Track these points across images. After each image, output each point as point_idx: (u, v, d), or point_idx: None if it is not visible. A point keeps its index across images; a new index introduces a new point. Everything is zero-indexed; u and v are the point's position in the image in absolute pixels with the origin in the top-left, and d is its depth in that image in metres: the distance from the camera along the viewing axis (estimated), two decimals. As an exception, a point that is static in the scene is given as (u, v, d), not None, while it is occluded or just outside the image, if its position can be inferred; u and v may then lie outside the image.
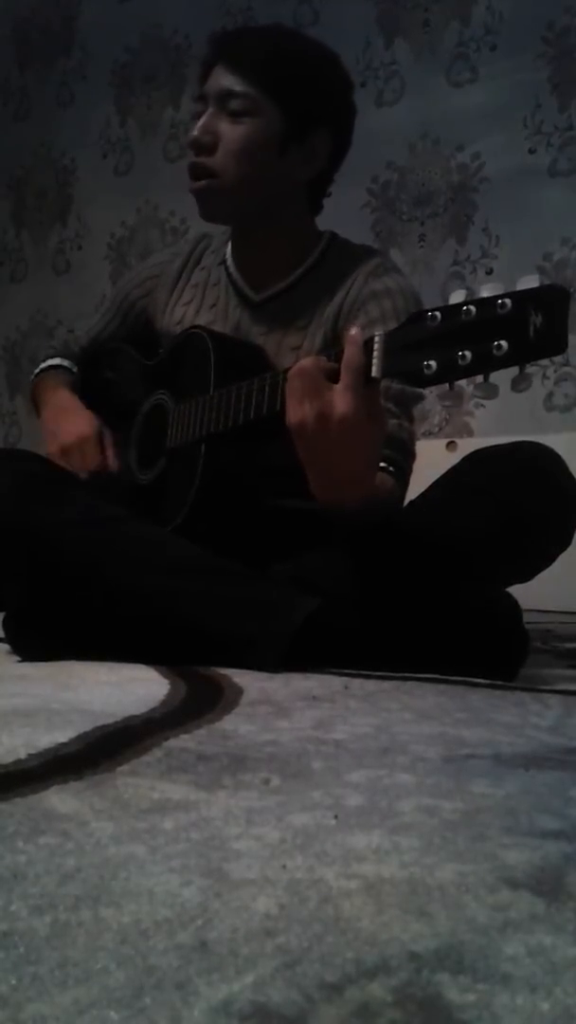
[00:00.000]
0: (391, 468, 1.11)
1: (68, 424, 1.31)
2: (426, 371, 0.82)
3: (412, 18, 2.63)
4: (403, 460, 1.15)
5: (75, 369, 1.43)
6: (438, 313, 0.83)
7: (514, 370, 0.79)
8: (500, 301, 0.78)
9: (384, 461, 1.08)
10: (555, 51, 2.40)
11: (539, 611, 1.86)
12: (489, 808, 0.49)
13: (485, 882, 0.39)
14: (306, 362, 0.94)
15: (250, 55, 1.20)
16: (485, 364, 0.79)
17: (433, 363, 0.82)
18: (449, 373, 0.81)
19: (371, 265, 1.25)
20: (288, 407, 0.95)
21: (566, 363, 2.35)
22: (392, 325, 1.17)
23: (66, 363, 1.44)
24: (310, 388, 0.92)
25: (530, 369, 0.79)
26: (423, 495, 1.13)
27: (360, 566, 1.05)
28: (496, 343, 0.77)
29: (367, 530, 1.02)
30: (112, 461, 1.29)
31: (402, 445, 1.15)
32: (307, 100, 1.20)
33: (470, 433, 2.48)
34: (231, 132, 1.19)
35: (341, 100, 1.26)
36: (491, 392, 0.81)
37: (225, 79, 1.19)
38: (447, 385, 0.84)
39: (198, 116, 1.23)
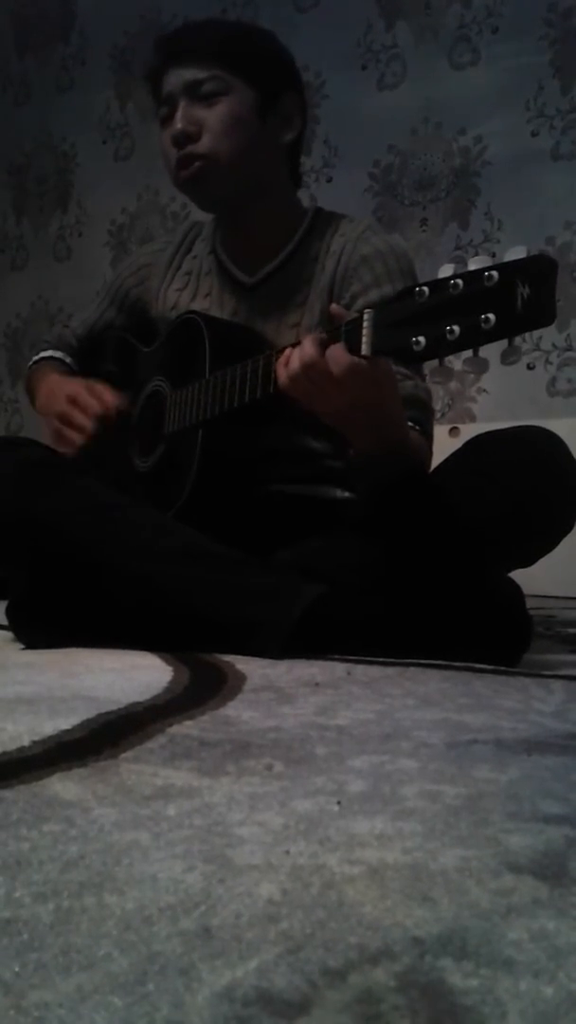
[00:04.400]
0: (416, 427, 1.12)
1: (59, 393, 1.30)
2: (415, 347, 0.82)
3: (413, 1, 2.61)
4: (425, 418, 1.17)
5: (68, 360, 1.43)
6: (426, 288, 0.82)
7: (503, 343, 0.78)
8: (487, 273, 0.77)
9: (409, 421, 1.11)
10: (557, 33, 2.38)
11: (542, 596, 1.86)
12: (492, 793, 0.49)
13: (488, 867, 0.39)
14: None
15: (202, 44, 1.22)
16: (474, 338, 0.78)
17: (422, 339, 0.81)
18: (438, 348, 0.81)
19: (359, 230, 1.25)
20: (277, 372, 0.98)
21: (569, 348, 2.34)
22: (386, 288, 1.18)
23: (58, 354, 1.44)
24: (295, 352, 0.96)
25: (519, 341, 0.78)
26: (426, 480, 1.13)
27: (367, 546, 1.05)
28: (484, 316, 0.76)
29: (394, 481, 1.04)
30: (113, 399, 1.26)
31: (422, 404, 1.17)
32: (269, 69, 1.24)
33: (472, 419, 2.47)
34: (211, 115, 1.20)
35: (293, 65, 1.30)
36: (481, 367, 0.81)
37: (186, 73, 1.22)
38: (437, 361, 0.83)
39: (167, 119, 1.23)
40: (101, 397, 1.26)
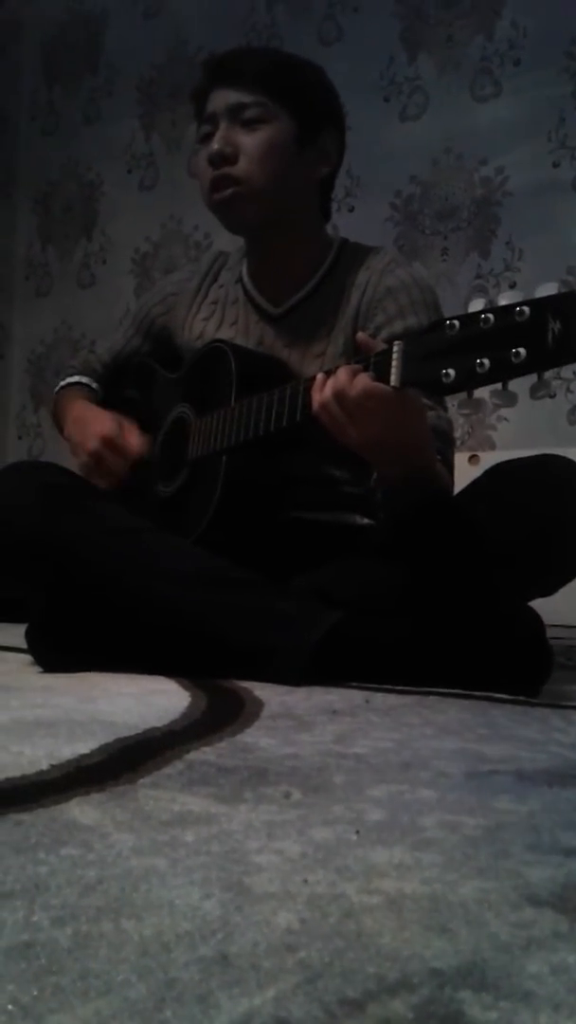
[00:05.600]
0: (438, 456, 1.13)
1: (90, 429, 1.30)
2: (444, 379, 0.83)
3: (436, 33, 2.64)
4: (446, 448, 1.17)
5: (95, 386, 1.44)
6: (456, 321, 0.83)
7: (532, 377, 0.78)
8: (518, 309, 0.77)
9: None
10: (579, 66, 2.40)
11: (562, 626, 1.84)
12: (512, 825, 0.49)
13: (508, 899, 0.38)
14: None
15: (251, 69, 1.24)
16: (503, 372, 0.79)
17: (452, 371, 0.82)
18: (467, 381, 0.81)
19: (384, 262, 1.26)
20: (312, 398, 0.98)
21: (590, 377, 2.34)
22: (410, 319, 1.19)
23: (85, 380, 1.45)
24: (329, 380, 0.97)
25: (548, 375, 0.78)
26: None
27: (387, 572, 1.05)
28: (514, 350, 0.77)
29: (418, 509, 1.04)
30: (139, 447, 1.26)
31: (443, 434, 1.17)
32: (313, 103, 1.26)
33: (492, 446, 2.47)
34: (250, 140, 1.21)
35: (337, 101, 1.32)
36: (510, 400, 0.81)
37: (232, 95, 1.23)
38: (466, 393, 0.84)
39: (206, 138, 1.25)
40: (132, 442, 1.26)
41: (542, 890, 0.39)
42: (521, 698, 0.93)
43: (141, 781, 0.55)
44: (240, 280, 1.35)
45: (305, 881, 0.40)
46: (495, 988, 0.31)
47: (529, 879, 0.41)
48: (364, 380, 0.93)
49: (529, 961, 0.33)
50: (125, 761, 0.59)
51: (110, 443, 1.26)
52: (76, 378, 1.46)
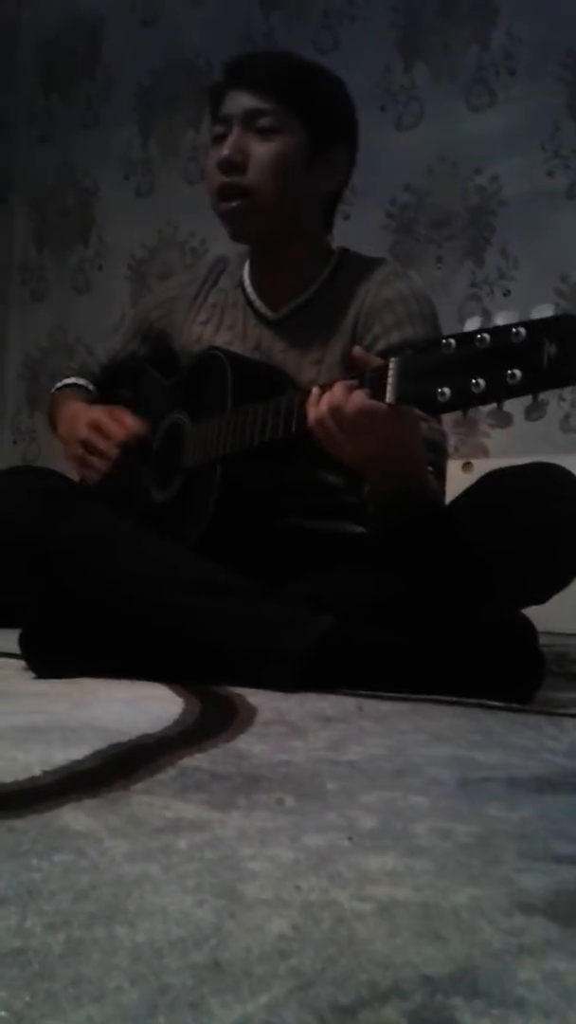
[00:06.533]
0: (431, 468, 1.13)
1: (82, 419, 1.30)
2: (440, 398, 0.83)
3: (431, 43, 2.65)
4: (439, 459, 1.17)
5: (91, 387, 1.44)
6: (452, 340, 0.83)
7: (528, 399, 0.79)
8: (514, 330, 0.78)
9: None
10: (573, 75, 2.41)
11: (554, 634, 1.84)
12: (504, 832, 0.49)
13: (500, 906, 0.38)
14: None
15: (271, 76, 1.23)
16: (499, 392, 0.79)
17: (447, 390, 0.82)
18: (463, 401, 0.82)
19: (383, 273, 1.27)
20: (308, 413, 0.98)
21: (583, 385, 2.35)
22: (407, 331, 1.19)
23: (82, 382, 1.45)
24: (326, 395, 0.97)
25: (543, 397, 0.79)
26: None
27: (380, 579, 1.05)
28: (510, 372, 0.77)
29: (410, 521, 1.04)
30: (134, 424, 1.26)
31: (436, 446, 1.17)
32: (329, 117, 1.25)
33: (486, 454, 2.48)
34: (263, 149, 1.21)
35: (353, 117, 1.31)
36: (504, 421, 0.81)
37: (248, 100, 1.22)
38: (461, 412, 0.84)
39: (220, 139, 1.24)
40: (122, 422, 1.27)
41: (534, 897, 0.40)
42: (514, 705, 0.93)
43: (134, 787, 0.55)
44: (240, 284, 1.35)
45: (298, 888, 0.40)
46: (487, 995, 0.31)
47: (521, 886, 0.41)
48: (360, 397, 0.93)
49: (521, 968, 0.33)
50: (118, 767, 0.59)
51: (97, 427, 1.27)
52: (72, 380, 1.46)
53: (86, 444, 1.27)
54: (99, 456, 1.26)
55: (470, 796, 0.56)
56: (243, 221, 1.24)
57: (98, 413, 1.30)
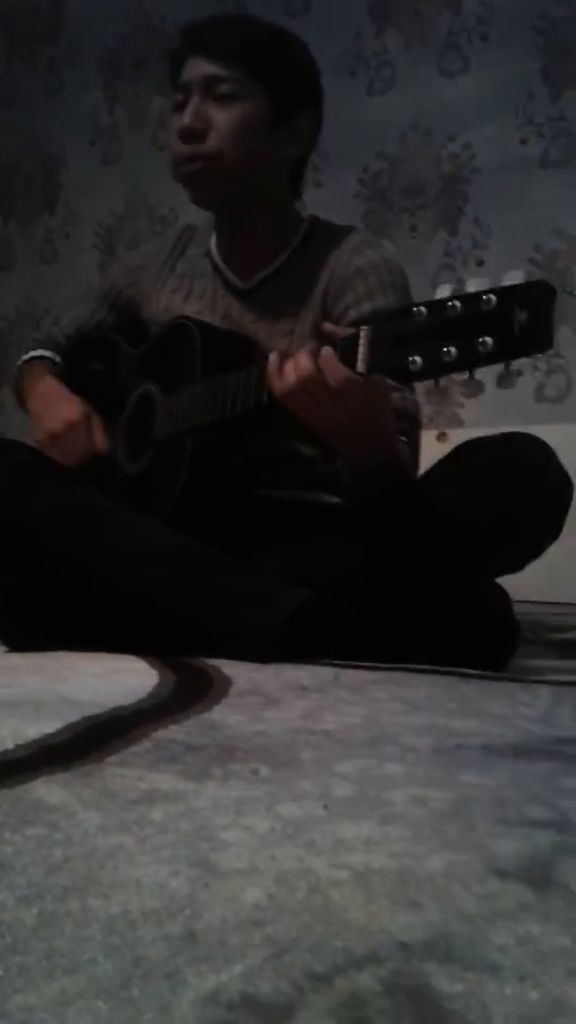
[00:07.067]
0: (403, 439, 1.12)
1: (55, 411, 1.30)
2: (411, 367, 0.82)
3: (403, 7, 2.62)
4: (412, 430, 1.17)
5: (58, 359, 1.43)
6: (423, 308, 0.82)
7: (499, 367, 0.78)
8: (485, 297, 0.77)
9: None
10: (547, 41, 2.39)
11: (529, 602, 1.86)
12: (479, 798, 0.49)
13: (474, 872, 0.39)
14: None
15: (229, 41, 1.20)
16: (470, 360, 0.78)
17: (418, 359, 0.82)
18: (434, 369, 0.81)
19: (353, 241, 1.25)
20: (270, 383, 0.98)
21: (558, 355, 2.35)
22: (379, 300, 1.18)
23: (48, 354, 1.43)
24: (289, 364, 0.96)
25: (516, 365, 0.78)
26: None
27: (355, 551, 1.05)
28: (481, 339, 0.77)
29: (382, 492, 1.04)
30: (101, 444, 1.28)
31: (409, 416, 1.17)
32: (291, 81, 1.23)
33: (460, 424, 2.48)
34: (223, 116, 1.19)
35: (317, 80, 1.28)
36: (476, 389, 0.81)
37: (207, 66, 1.20)
38: (433, 381, 0.84)
39: (180, 106, 1.22)
40: (93, 436, 1.28)
41: (508, 863, 0.40)
42: (488, 673, 0.93)
43: (108, 760, 0.54)
44: (208, 253, 1.33)
45: (273, 857, 0.40)
46: (461, 960, 0.31)
47: (496, 852, 0.41)
48: (330, 365, 0.92)
49: (495, 933, 0.33)
50: (92, 740, 0.58)
51: (74, 429, 1.27)
52: (39, 352, 1.44)
53: (56, 439, 1.28)
54: (63, 455, 1.26)
55: (445, 763, 0.56)
56: (203, 184, 1.22)
57: (77, 414, 1.29)
